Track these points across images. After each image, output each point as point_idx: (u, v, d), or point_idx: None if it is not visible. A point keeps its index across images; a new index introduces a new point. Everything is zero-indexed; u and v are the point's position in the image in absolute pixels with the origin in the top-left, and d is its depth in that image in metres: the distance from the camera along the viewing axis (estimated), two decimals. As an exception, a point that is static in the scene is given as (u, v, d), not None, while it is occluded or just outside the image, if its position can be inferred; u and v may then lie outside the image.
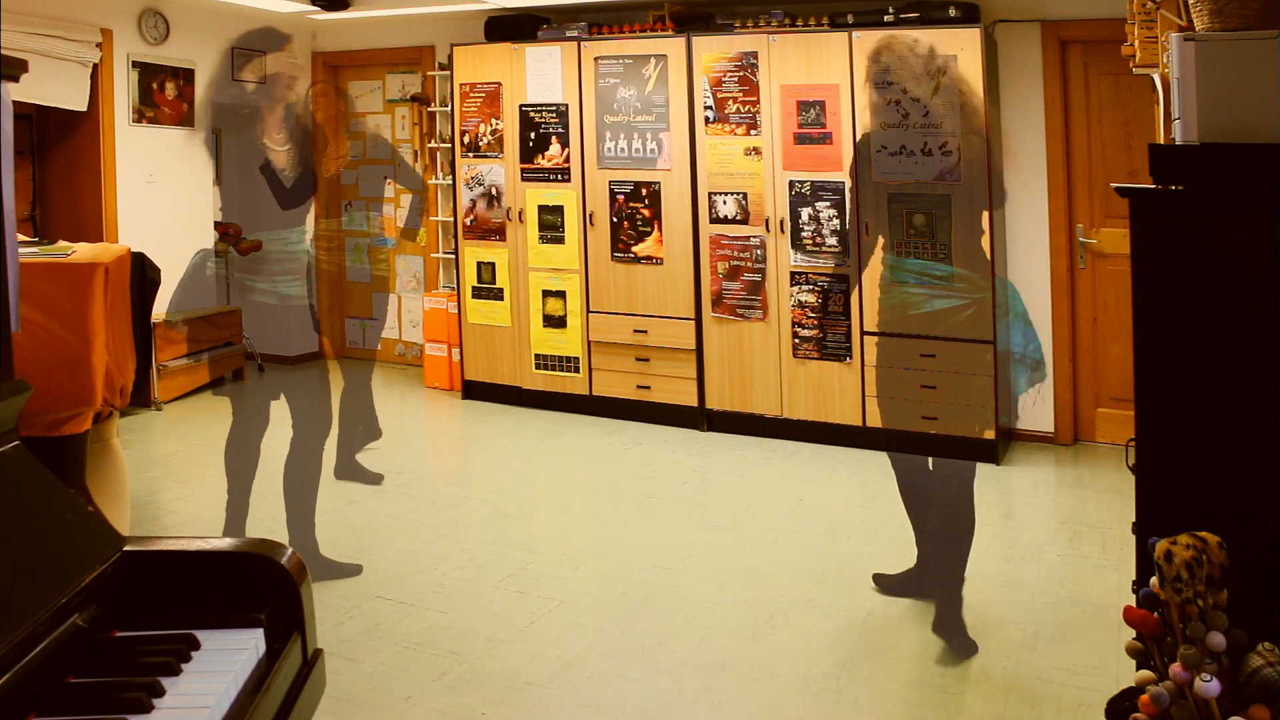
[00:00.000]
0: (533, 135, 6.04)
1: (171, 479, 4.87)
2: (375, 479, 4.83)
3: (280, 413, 4.06)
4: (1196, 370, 1.80)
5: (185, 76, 6.54)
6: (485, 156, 6.22)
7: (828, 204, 5.26)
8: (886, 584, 3.58)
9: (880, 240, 5.12)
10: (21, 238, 3.35)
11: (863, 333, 5.19)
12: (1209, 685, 1.52)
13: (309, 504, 3.87)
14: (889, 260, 4.73)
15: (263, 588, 1.56)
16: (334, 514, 4.39)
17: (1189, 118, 1.82)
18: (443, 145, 6.89)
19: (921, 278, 4.13)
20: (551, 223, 6.03)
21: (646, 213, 5.73)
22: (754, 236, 5.45)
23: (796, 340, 5.36)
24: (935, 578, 3.32)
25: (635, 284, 5.79)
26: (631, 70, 5.72)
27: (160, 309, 3.86)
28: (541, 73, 5.99)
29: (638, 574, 3.74)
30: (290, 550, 1.60)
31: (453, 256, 6.69)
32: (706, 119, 5.53)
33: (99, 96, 6.04)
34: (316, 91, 4.59)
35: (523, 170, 6.07)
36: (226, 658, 1.42)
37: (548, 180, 6.01)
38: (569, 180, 5.94)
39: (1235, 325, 1.76)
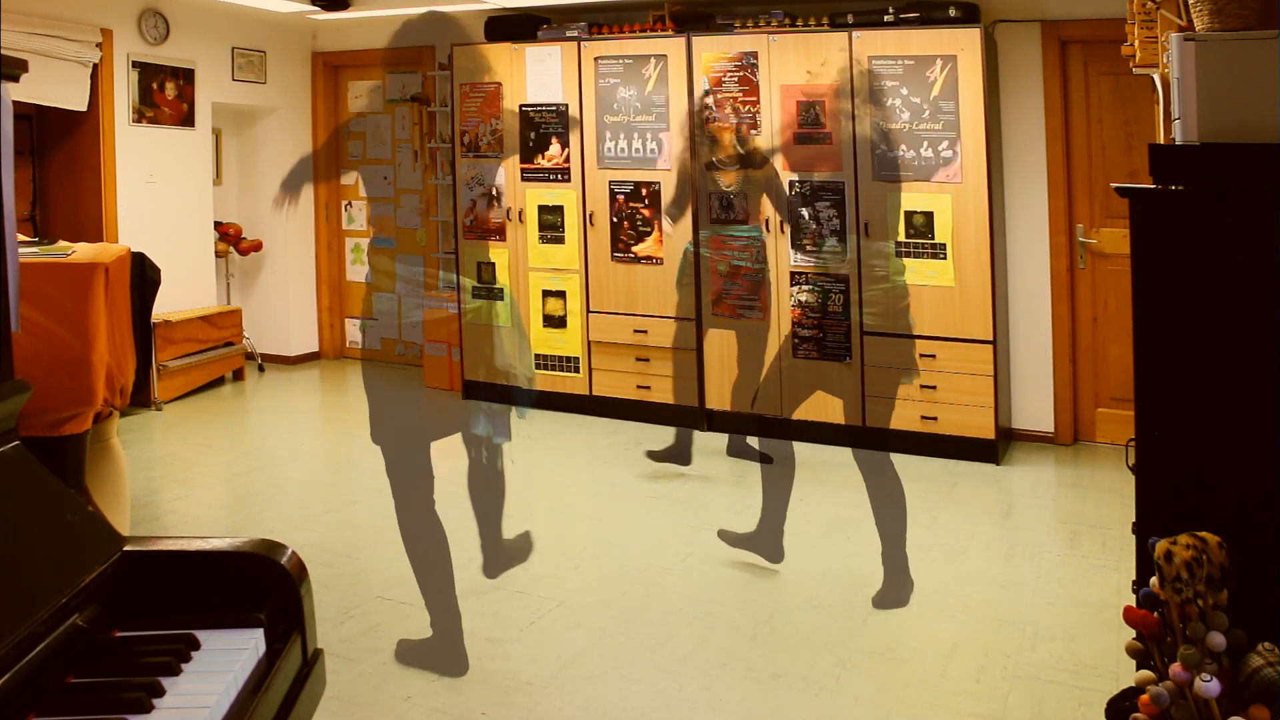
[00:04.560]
0: (533, 135, 6.04)
1: (171, 479, 4.87)
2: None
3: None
4: (1196, 370, 1.80)
5: (185, 76, 6.54)
6: (485, 156, 6.22)
7: (828, 204, 5.26)
8: (730, 539, 3.90)
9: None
10: (21, 238, 3.35)
11: (863, 332, 5.19)
12: (1209, 685, 1.52)
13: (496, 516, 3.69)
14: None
15: (263, 588, 1.56)
16: (334, 514, 4.39)
17: (1189, 118, 1.82)
18: (443, 145, 6.89)
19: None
20: (551, 223, 6.03)
21: (647, 213, 5.73)
22: (754, 236, 5.45)
23: (796, 340, 5.36)
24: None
25: (635, 284, 5.79)
26: (631, 70, 5.72)
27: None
28: (541, 73, 5.99)
29: (638, 574, 3.73)
30: (290, 550, 1.60)
31: (453, 256, 6.69)
32: (706, 119, 5.53)
33: (99, 96, 6.04)
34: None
35: (523, 170, 6.07)
36: (226, 658, 1.42)
37: (548, 180, 6.01)
38: (569, 180, 5.94)
39: (1235, 325, 1.76)
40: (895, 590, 3.54)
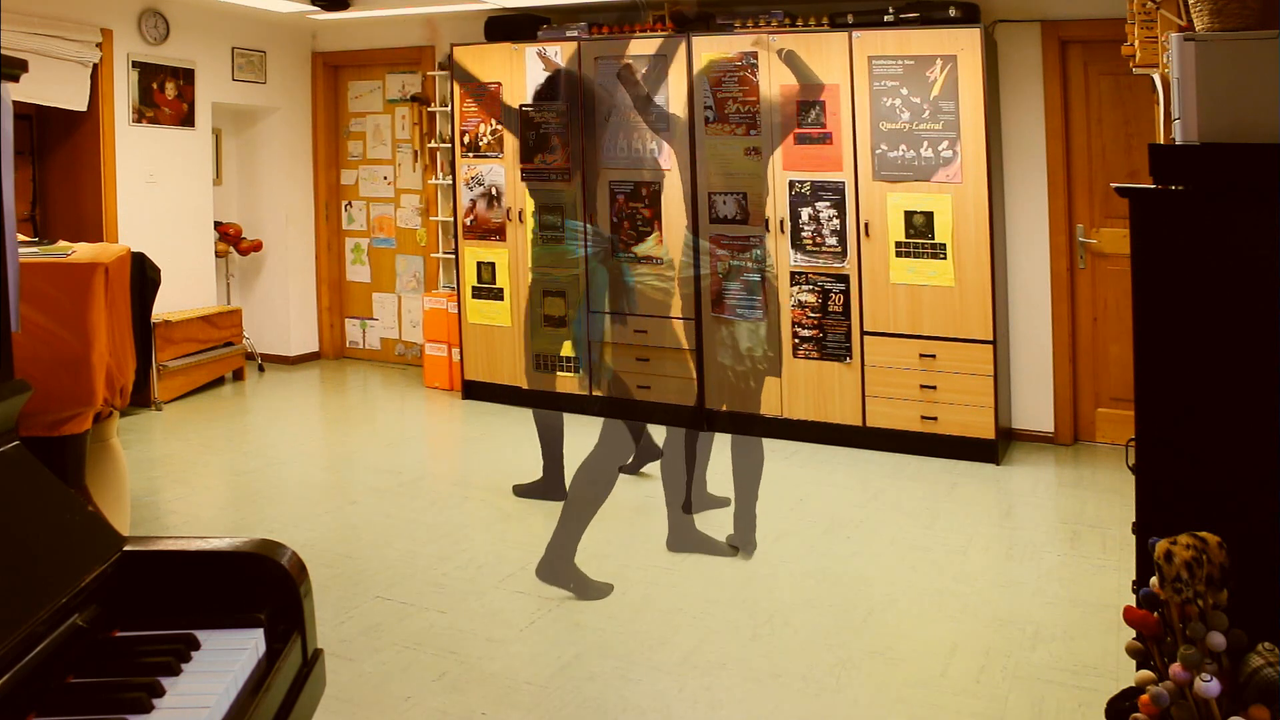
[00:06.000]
0: (533, 135, 6.03)
1: (171, 479, 4.87)
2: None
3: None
4: (1196, 370, 1.80)
5: (185, 76, 6.54)
6: (485, 156, 6.22)
7: (828, 204, 5.26)
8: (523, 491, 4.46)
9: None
10: (21, 238, 3.35)
11: (863, 333, 5.19)
12: (1209, 685, 1.52)
13: (584, 520, 3.74)
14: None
15: (263, 588, 1.56)
16: (334, 514, 4.39)
17: (1189, 118, 1.82)
18: (443, 145, 6.89)
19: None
20: (551, 223, 6.03)
21: (647, 213, 5.73)
22: (754, 236, 5.45)
23: (796, 340, 5.36)
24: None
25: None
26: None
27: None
28: (541, 73, 5.99)
29: (638, 574, 3.74)
30: (290, 550, 1.59)
31: (453, 256, 6.69)
32: (706, 119, 5.53)
33: (99, 96, 6.04)
34: None
35: (523, 170, 6.07)
36: (226, 658, 1.42)
37: (548, 180, 6.01)
38: (569, 180, 5.94)
39: (1235, 325, 1.76)
40: (740, 539, 3.97)
